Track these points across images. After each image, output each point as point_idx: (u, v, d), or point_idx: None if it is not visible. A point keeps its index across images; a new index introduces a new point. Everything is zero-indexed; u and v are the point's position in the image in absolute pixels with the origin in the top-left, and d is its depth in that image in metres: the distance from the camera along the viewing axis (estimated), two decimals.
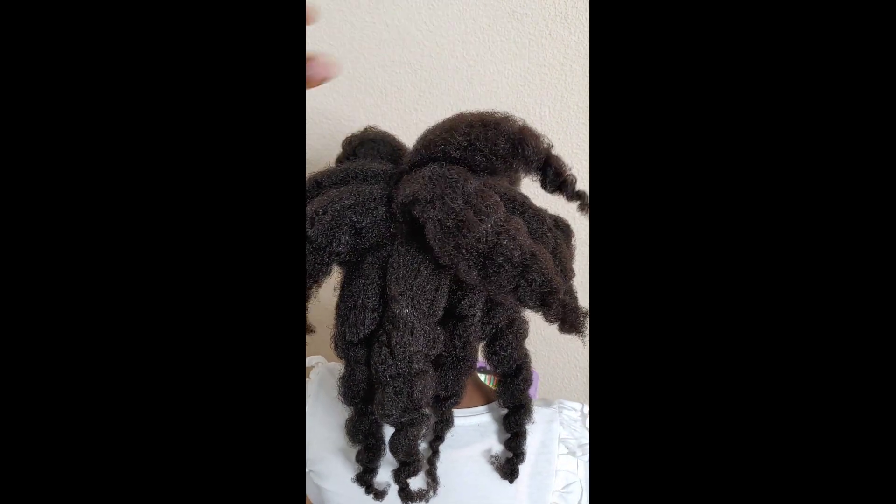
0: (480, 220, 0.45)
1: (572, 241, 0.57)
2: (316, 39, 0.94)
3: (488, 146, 0.49)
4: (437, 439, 0.57)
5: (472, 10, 0.88)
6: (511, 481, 0.58)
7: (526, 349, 0.59)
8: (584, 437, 0.62)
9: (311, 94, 0.98)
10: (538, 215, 0.54)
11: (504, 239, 0.44)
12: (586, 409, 0.64)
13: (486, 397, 0.64)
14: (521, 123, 0.51)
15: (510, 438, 0.59)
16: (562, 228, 0.56)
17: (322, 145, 1.01)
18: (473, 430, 0.60)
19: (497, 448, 0.60)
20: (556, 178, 0.50)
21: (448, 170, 0.49)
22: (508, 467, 0.58)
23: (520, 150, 0.48)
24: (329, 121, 1.00)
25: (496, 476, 0.59)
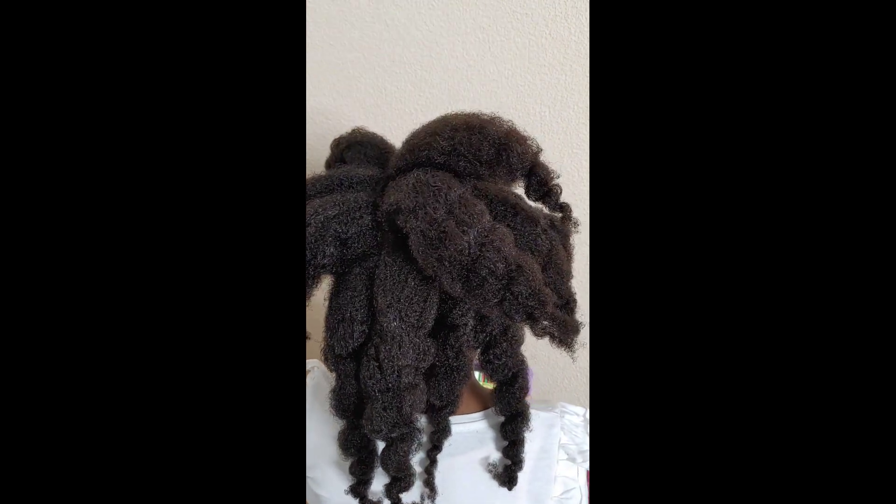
0: (463, 231, 0.44)
1: (570, 242, 0.56)
2: (316, 39, 0.94)
3: (472, 152, 0.48)
4: (435, 449, 0.57)
5: (472, 10, 0.88)
6: (510, 489, 0.57)
7: (522, 356, 0.58)
8: (585, 443, 0.60)
9: (310, 93, 0.98)
10: (531, 218, 0.52)
11: (488, 251, 0.43)
12: (588, 414, 0.63)
13: (482, 403, 0.63)
14: (507, 127, 0.49)
15: (508, 446, 0.58)
16: (558, 229, 0.54)
17: (322, 145, 1.01)
18: (470, 436, 0.59)
19: (495, 455, 0.59)
20: (540, 187, 0.49)
21: (432, 176, 0.48)
22: (507, 475, 0.57)
23: (504, 157, 0.47)
24: (329, 121, 1.00)
25: (493, 482, 0.58)
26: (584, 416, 0.63)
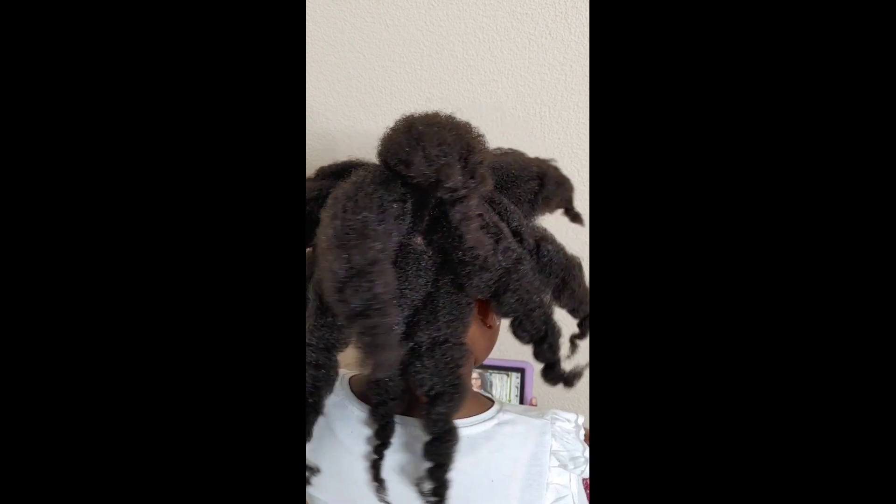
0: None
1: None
2: (316, 39, 0.94)
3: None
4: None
5: (472, 9, 0.88)
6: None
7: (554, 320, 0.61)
8: (577, 449, 0.60)
9: (310, 93, 0.98)
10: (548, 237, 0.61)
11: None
12: (580, 420, 0.63)
13: (488, 404, 0.63)
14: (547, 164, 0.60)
15: (545, 367, 0.64)
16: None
17: (322, 145, 1.01)
18: (475, 438, 0.59)
19: (513, 452, 0.59)
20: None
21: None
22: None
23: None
24: (329, 120, 1.00)
25: (485, 489, 0.58)
26: (575, 422, 0.63)
